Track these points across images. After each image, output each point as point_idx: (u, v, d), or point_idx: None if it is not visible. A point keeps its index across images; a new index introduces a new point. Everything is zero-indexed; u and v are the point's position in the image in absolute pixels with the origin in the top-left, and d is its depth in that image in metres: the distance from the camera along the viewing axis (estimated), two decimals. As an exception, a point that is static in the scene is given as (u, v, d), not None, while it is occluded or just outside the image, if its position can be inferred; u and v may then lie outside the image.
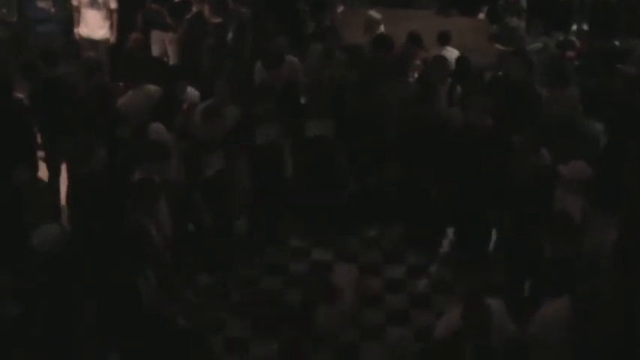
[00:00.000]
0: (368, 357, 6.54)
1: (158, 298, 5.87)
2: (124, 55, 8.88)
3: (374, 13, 9.71)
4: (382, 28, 9.57)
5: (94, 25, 9.98)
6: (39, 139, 8.05)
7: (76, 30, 10.07)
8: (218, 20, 9.55)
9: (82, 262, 5.76)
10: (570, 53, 9.61)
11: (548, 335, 5.06)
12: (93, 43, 9.88)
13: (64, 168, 7.75)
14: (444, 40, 9.11)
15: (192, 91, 8.01)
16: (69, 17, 10.26)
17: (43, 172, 8.05)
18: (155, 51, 9.90)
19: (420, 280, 7.46)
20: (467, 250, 7.42)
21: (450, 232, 7.75)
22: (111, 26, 10.01)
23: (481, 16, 11.87)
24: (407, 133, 7.62)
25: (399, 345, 6.32)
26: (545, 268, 5.77)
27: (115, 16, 10.03)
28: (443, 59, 8.42)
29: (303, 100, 8.38)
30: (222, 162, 7.27)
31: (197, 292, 7.11)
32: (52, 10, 10.45)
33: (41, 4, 10.44)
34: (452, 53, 8.90)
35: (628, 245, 5.70)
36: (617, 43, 9.67)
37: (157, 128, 7.16)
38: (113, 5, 9.99)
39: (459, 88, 8.17)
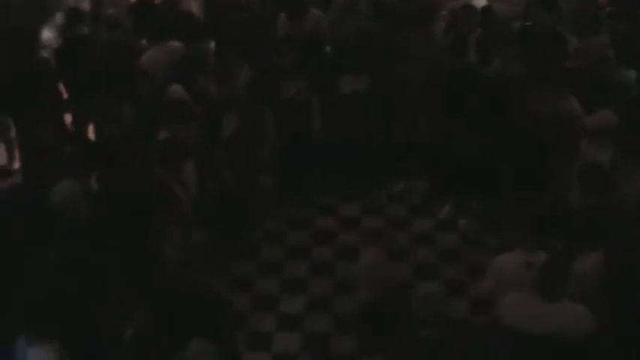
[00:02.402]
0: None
1: (183, 257, 5.91)
2: (146, 11, 8.79)
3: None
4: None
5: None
6: (65, 98, 8.07)
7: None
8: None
9: (106, 221, 5.80)
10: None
11: (584, 290, 5.03)
12: (114, 1, 9.80)
13: (89, 127, 7.78)
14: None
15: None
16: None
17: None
18: (179, 6, 9.79)
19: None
20: (495, 204, 7.35)
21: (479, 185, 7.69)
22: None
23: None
24: (438, 85, 7.51)
25: (428, 299, 6.31)
26: (576, 221, 5.72)
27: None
28: (472, 8, 8.24)
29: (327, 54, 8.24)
30: (240, 120, 7.22)
31: (224, 250, 7.11)
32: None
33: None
34: (479, 2, 8.72)
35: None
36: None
37: (176, 89, 7.13)
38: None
39: (487, 39, 8.02)
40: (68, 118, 8.10)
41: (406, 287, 6.28)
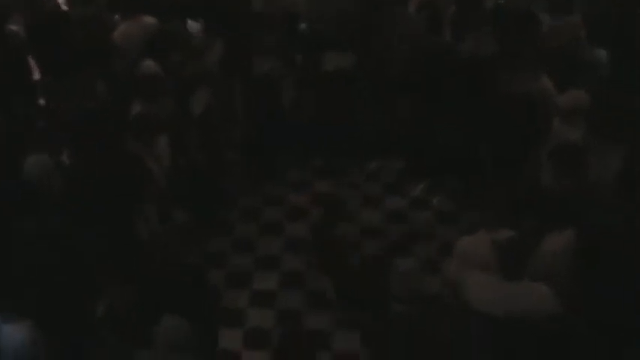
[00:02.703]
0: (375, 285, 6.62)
1: (158, 232, 5.90)
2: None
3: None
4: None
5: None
6: (37, 74, 7.98)
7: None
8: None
9: (80, 195, 5.77)
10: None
11: (553, 268, 5.07)
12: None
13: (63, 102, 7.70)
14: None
15: (193, 25, 7.90)
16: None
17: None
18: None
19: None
20: (469, 183, 7.41)
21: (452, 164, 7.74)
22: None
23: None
24: (416, 65, 7.53)
25: (406, 275, 6.37)
26: (548, 200, 5.76)
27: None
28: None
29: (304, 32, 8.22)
30: (211, 98, 7.19)
31: (198, 226, 7.12)
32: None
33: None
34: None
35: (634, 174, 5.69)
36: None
37: (149, 65, 7.08)
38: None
39: (461, 18, 8.04)
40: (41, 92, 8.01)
41: (380, 263, 6.33)
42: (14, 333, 4.69)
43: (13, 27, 7.85)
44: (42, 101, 7.93)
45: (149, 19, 7.61)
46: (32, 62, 7.82)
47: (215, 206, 7.29)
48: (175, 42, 7.50)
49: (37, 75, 7.92)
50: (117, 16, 8.02)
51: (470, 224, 6.62)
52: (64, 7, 8.24)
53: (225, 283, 6.71)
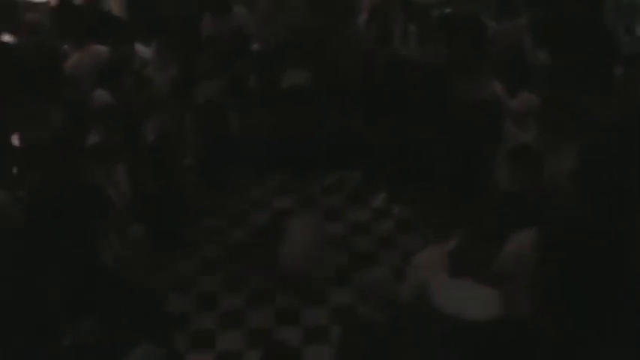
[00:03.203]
0: (337, 300, 6.64)
1: (121, 259, 5.88)
2: (68, 16, 8.66)
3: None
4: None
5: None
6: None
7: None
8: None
9: (38, 226, 5.72)
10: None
11: (515, 268, 5.14)
12: (34, 5, 9.61)
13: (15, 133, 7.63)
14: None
15: (141, 48, 7.90)
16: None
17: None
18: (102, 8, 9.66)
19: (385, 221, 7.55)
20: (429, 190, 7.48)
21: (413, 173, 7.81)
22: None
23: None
24: (367, 76, 7.61)
25: (368, 286, 6.40)
26: (504, 203, 5.85)
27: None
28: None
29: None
30: (164, 125, 7.19)
31: (163, 249, 7.09)
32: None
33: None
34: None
35: (588, 173, 5.81)
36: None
37: (101, 94, 7.06)
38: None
39: (409, 27, 8.17)
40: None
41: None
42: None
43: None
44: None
45: (100, 48, 7.61)
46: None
47: (178, 229, 7.27)
48: (127, 69, 7.52)
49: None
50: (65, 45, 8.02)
51: (431, 232, 6.73)
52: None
53: (193, 306, 6.68)
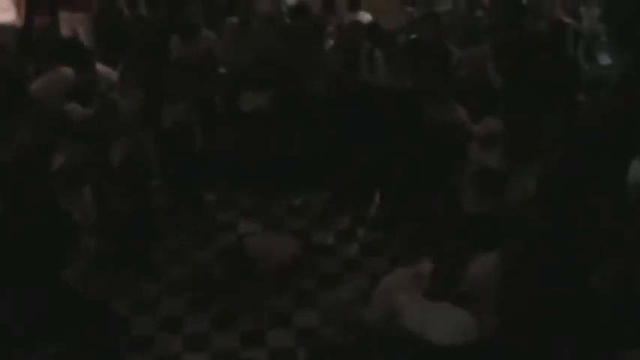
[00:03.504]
0: (303, 322, 6.66)
1: (84, 281, 5.86)
2: (33, 38, 8.68)
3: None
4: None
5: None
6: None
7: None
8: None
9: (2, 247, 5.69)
10: (479, 11, 9.77)
11: (478, 291, 5.20)
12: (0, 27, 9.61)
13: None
14: (356, 5, 9.19)
15: (107, 71, 7.90)
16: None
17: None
18: (64, 32, 9.67)
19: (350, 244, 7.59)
20: (393, 212, 7.55)
21: (377, 195, 7.88)
22: (18, 9, 9.72)
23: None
24: (333, 100, 7.69)
25: (334, 308, 6.42)
26: (469, 224, 5.93)
27: (21, -1, 9.75)
28: (359, 24, 8.50)
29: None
30: (128, 149, 7.19)
31: (127, 271, 7.06)
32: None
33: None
34: (365, 17, 8.99)
35: (549, 193, 5.90)
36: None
37: (73, 108, 7.06)
38: (22, -13, 9.69)
39: (376, 53, 8.26)
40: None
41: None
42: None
43: None
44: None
45: (67, 70, 7.59)
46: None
47: (144, 250, 7.26)
48: (93, 92, 7.52)
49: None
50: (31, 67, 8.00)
51: (396, 253, 6.77)
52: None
53: (157, 328, 6.65)
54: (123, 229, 6.92)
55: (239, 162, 7.89)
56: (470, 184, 6.09)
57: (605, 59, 9.17)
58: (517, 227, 5.70)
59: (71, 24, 9.65)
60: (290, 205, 8.07)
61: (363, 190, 7.76)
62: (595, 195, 5.93)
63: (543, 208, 5.83)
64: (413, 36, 8.62)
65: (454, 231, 6.21)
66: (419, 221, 7.14)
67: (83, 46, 8.65)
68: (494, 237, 5.53)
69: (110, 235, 6.77)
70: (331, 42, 8.69)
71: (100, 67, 7.91)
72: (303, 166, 8.01)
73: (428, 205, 7.14)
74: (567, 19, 8.52)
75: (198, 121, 7.76)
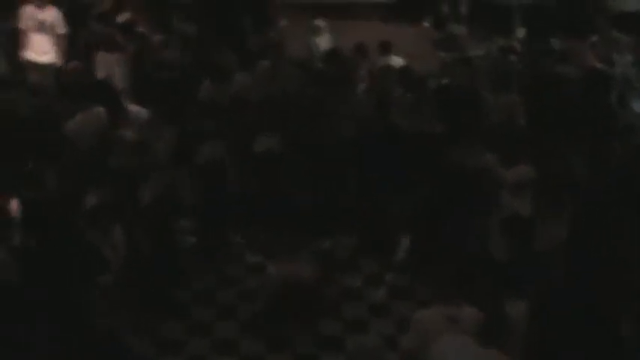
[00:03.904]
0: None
1: (114, 320, 5.87)
2: (69, 79, 8.84)
3: (318, 23, 9.82)
4: (326, 38, 9.68)
5: (40, 50, 9.87)
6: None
7: (21, 54, 9.97)
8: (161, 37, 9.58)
9: (34, 286, 5.73)
10: (512, 57, 9.78)
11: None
12: (39, 68, 9.79)
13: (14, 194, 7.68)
14: (387, 49, 9.25)
15: (140, 111, 8.01)
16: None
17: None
18: (102, 73, 9.85)
19: (378, 288, 7.54)
20: (423, 257, 7.49)
21: (406, 239, 7.83)
22: (57, 50, 9.91)
23: (425, 23, 12.04)
24: (363, 143, 7.70)
25: (360, 353, 6.36)
26: (501, 271, 5.87)
27: (61, 40, 9.93)
28: (391, 68, 8.55)
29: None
30: (160, 187, 7.24)
31: (154, 313, 7.06)
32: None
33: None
34: (397, 62, 9.03)
35: (580, 240, 5.85)
36: (555, 44, 9.84)
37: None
38: (60, 30, 9.88)
39: (407, 97, 8.28)
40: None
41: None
42: None
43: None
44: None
45: (100, 111, 7.70)
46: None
47: (169, 289, 7.27)
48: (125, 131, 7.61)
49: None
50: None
51: (426, 297, 6.72)
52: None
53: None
54: (149, 267, 6.94)
55: (268, 203, 7.88)
56: (499, 230, 6.06)
57: (638, 106, 9.09)
58: (546, 274, 5.65)
59: (107, 65, 9.85)
60: (318, 248, 8.03)
61: (390, 234, 7.72)
62: (626, 243, 5.88)
63: (573, 255, 5.79)
64: (444, 81, 8.64)
65: (484, 276, 6.16)
66: (448, 266, 7.13)
67: (116, 87, 8.80)
68: (523, 283, 5.49)
69: (136, 274, 6.80)
70: (363, 86, 8.70)
71: (133, 107, 8.00)
72: (331, 209, 8.00)
73: (456, 249, 7.10)
74: (600, 65, 8.49)
75: (232, 161, 7.78)
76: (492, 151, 7.14)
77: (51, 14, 9.74)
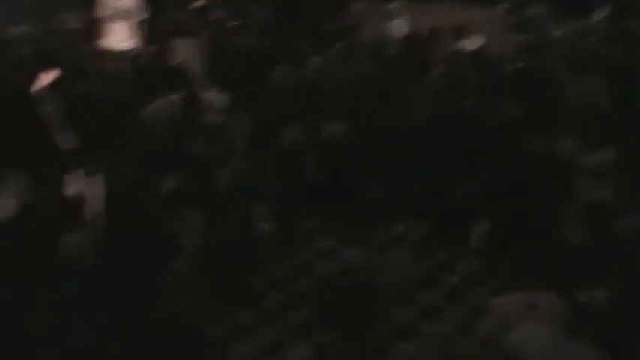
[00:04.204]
0: (403, 354, 6.57)
1: (187, 306, 5.95)
2: (146, 66, 8.98)
3: (392, 7, 9.74)
4: (401, 22, 9.59)
5: (118, 37, 10.04)
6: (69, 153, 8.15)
7: (99, 42, 10.15)
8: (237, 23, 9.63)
9: (112, 271, 5.84)
10: (592, 39, 9.54)
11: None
12: (117, 55, 9.96)
13: (94, 180, 7.84)
14: (464, 33, 9.11)
15: (219, 96, 8.06)
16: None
17: (75, 186, 8.16)
18: (177, 59, 9.96)
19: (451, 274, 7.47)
20: (498, 243, 7.38)
21: (481, 224, 7.72)
22: (135, 37, 10.06)
23: (501, 6, 11.84)
24: (437, 129, 7.60)
25: (434, 340, 6.33)
26: (580, 258, 5.75)
27: (138, 27, 10.08)
28: (465, 52, 8.43)
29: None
30: (235, 174, 7.27)
31: (228, 299, 7.13)
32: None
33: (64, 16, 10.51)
34: (471, 45, 8.90)
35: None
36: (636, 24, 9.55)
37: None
38: (137, 17, 10.03)
39: (481, 81, 8.16)
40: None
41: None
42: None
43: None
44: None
45: (176, 97, 7.78)
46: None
47: (243, 275, 7.33)
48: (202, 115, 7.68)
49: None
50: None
51: (500, 284, 6.62)
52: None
53: (254, 356, 6.69)
54: (224, 254, 7.01)
55: (341, 188, 7.87)
56: (577, 217, 5.93)
57: None
58: (627, 261, 5.51)
59: (184, 51, 9.95)
60: (391, 234, 8.00)
61: (464, 220, 7.62)
62: None
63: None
64: (521, 64, 8.46)
65: (563, 263, 6.04)
66: (525, 252, 7.02)
67: (193, 73, 8.88)
68: (604, 273, 5.37)
69: (212, 260, 6.87)
70: (437, 70, 8.59)
71: (211, 93, 8.05)
72: (404, 194, 7.94)
73: (534, 235, 6.96)
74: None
75: (309, 146, 7.78)
76: (572, 135, 6.97)
77: (128, 2, 9.89)
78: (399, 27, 9.80)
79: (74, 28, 10.22)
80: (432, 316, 6.86)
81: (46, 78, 7.80)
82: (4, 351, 5.35)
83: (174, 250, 6.18)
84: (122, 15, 9.89)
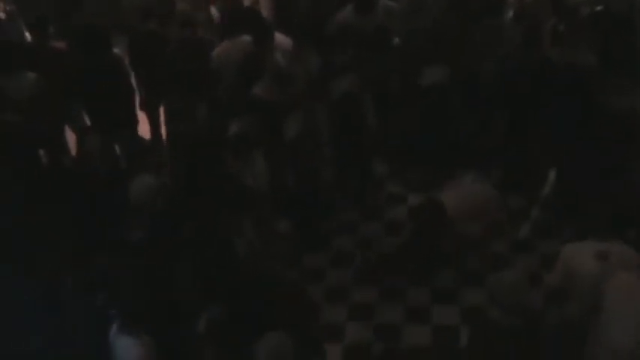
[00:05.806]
0: (469, 301, 6.54)
1: (256, 249, 5.98)
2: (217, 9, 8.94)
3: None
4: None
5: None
6: (138, 96, 8.22)
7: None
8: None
9: (181, 214, 5.90)
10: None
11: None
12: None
13: (163, 124, 7.90)
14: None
15: (286, 41, 7.99)
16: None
17: (143, 129, 8.27)
18: (246, 2, 9.90)
19: (523, 224, 7.36)
20: (569, 193, 7.24)
21: (552, 174, 7.57)
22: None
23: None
24: (512, 76, 7.41)
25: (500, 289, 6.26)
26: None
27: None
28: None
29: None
30: (304, 119, 7.19)
31: (297, 241, 7.15)
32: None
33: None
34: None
35: None
36: None
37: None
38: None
39: (559, 27, 7.89)
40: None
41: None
42: (132, 346, 4.70)
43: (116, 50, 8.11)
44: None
45: (245, 40, 7.72)
46: (134, 83, 8.07)
47: (313, 221, 7.34)
48: (270, 58, 7.62)
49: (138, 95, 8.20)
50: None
51: (571, 236, 6.50)
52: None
53: (323, 298, 6.73)
54: (293, 200, 7.03)
55: (412, 136, 7.76)
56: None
57: None
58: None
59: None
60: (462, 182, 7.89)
61: (537, 170, 7.45)
62: None
63: None
64: (599, 8, 8.15)
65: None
66: (595, 204, 6.87)
67: (262, 16, 8.82)
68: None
69: (281, 207, 6.89)
70: (511, 14, 8.34)
71: (279, 37, 7.99)
72: (476, 142, 7.80)
73: (604, 188, 6.79)
74: None
75: (371, 94, 7.68)
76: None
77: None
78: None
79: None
80: (501, 265, 6.80)
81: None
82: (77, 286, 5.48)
83: (241, 194, 6.19)
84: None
